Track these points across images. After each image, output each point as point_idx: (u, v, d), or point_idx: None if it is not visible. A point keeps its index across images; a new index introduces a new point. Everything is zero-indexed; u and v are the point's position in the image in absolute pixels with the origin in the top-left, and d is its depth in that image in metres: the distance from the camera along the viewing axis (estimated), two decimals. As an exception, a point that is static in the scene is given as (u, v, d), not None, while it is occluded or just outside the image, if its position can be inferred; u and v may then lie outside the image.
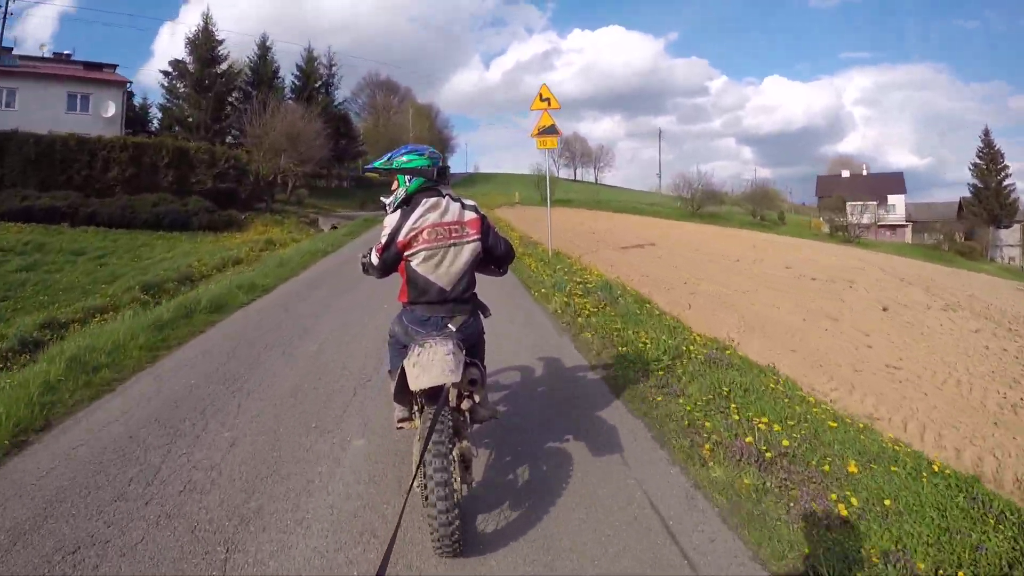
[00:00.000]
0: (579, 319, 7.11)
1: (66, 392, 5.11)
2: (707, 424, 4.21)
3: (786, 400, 4.76)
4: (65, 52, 44.43)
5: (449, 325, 3.05)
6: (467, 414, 3.14)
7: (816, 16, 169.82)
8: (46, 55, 43.53)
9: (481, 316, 3.31)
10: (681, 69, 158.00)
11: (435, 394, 2.76)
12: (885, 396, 6.04)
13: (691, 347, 5.96)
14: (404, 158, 3.16)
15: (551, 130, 12.91)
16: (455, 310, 3.11)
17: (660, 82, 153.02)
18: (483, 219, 3.18)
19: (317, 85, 53.26)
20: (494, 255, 3.27)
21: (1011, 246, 59.91)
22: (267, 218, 30.53)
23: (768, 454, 3.78)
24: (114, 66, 43.64)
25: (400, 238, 3.02)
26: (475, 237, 3.09)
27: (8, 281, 15.95)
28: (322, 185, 50.88)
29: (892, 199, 65.60)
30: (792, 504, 3.28)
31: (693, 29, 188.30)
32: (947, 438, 5.47)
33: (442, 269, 3.05)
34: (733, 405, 4.50)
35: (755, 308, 9.90)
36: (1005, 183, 61.85)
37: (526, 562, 2.80)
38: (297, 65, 53.44)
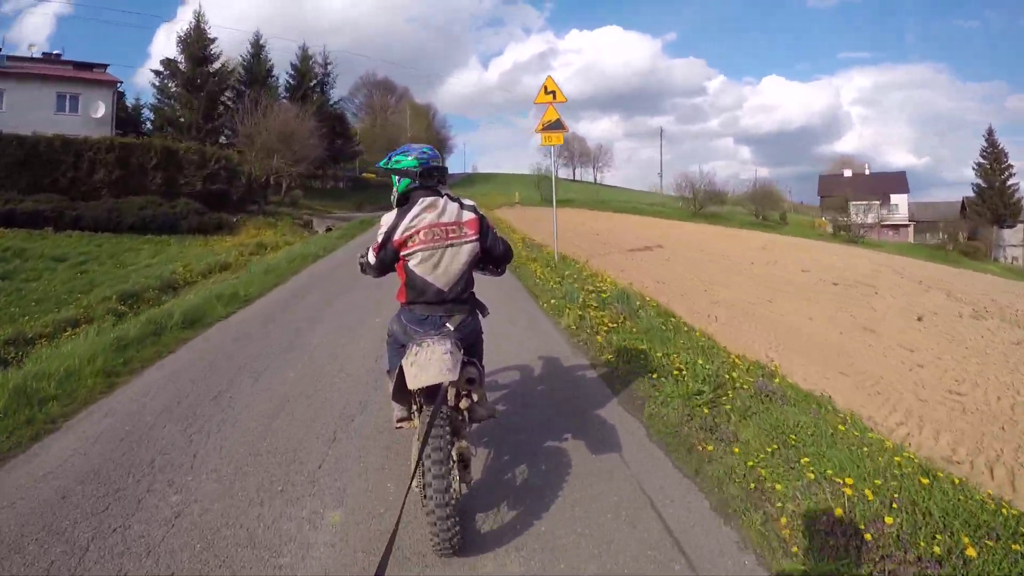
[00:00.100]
0: (597, 337, 6.22)
1: (3, 434, 4.24)
2: (778, 487, 3.32)
3: (863, 448, 3.88)
4: (55, 52, 43.60)
5: (447, 324, 3.04)
6: (466, 413, 3.11)
7: (814, 16, 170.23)
8: (35, 55, 42.64)
9: (479, 315, 3.31)
10: (679, 69, 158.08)
11: (433, 393, 2.76)
12: (961, 433, 5.18)
13: (734, 374, 5.06)
14: (396, 158, 3.18)
15: (557, 125, 12.02)
16: (453, 310, 3.10)
17: (658, 82, 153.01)
18: (482, 219, 3.16)
19: (312, 84, 52.32)
20: (493, 256, 3.27)
21: (1014, 246, 59.20)
22: (259, 220, 29.60)
23: (868, 535, 2.89)
24: (105, 66, 42.69)
25: (396, 236, 3.01)
26: (473, 238, 3.08)
27: (-20, 291, 15.01)
28: (317, 186, 49.91)
29: (895, 198, 64.91)
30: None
31: (691, 29, 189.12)
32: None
33: (440, 270, 3.03)
34: (804, 458, 3.62)
35: (786, 320, 9.03)
36: (1009, 183, 61.27)
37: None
38: (292, 64, 52.56)
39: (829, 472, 3.52)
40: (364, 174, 61.76)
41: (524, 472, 3.63)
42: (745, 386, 4.83)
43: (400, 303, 3.23)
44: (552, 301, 7.96)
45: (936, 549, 2.86)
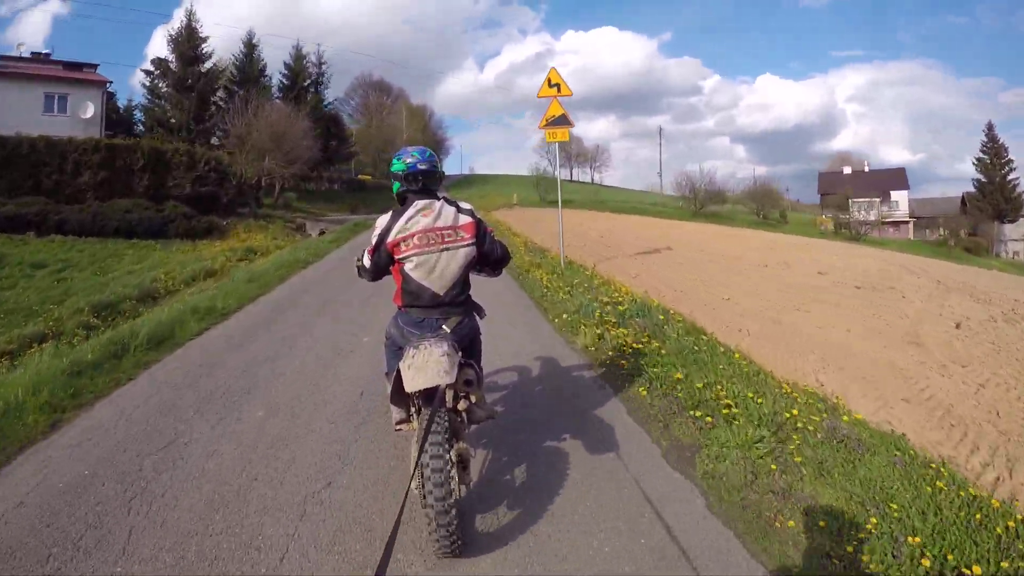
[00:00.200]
0: (622, 362, 5.35)
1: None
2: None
3: (974, 514, 3.04)
4: (44, 52, 42.62)
5: (443, 327, 3.04)
6: (464, 415, 3.08)
7: (808, 15, 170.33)
8: (24, 54, 41.59)
9: (477, 317, 3.30)
10: (675, 69, 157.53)
11: (431, 395, 2.76)
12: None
13: (793, 410, 4.21)
14: (392, 161, 3.22)
15: (562, 120, 11.15)
16: (449, 312, 3.09)
17: (654, 82, 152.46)
18: (478, 223, 3.15)
19: (306, 84, 51.24)
20: (491, 259, 3.27)
21: (1015, 240, 58.75)
22: (251, 224, 28.67)
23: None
24: (95, 66, 41.68)
25: (389, 239, 3.01)
26: (469, 241, 3.07)
27: (-52, 302, 14.10)
28: (312, 188, 48.87)
29: (895, 195, 64.25)
30: None
31: (686, 29, 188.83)
32: None
33: (435, 274, 3.02)
34: (913, 537, 2.77)
35: (822, 333, 8.18)
36: (1010, 177, 60.66)
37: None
38: (285, 63, 51.45)
39: (950, 558, 2.68)
40: (360, 176, 60.86)
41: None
42: (810, 427, 3.98)
43: (397, 306, 3.23)
44: (564, 316, 7.09)
45: None
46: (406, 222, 2.99)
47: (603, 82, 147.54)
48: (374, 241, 3.10)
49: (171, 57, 43.66)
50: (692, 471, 3.52)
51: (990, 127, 61.98)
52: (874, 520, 2.91)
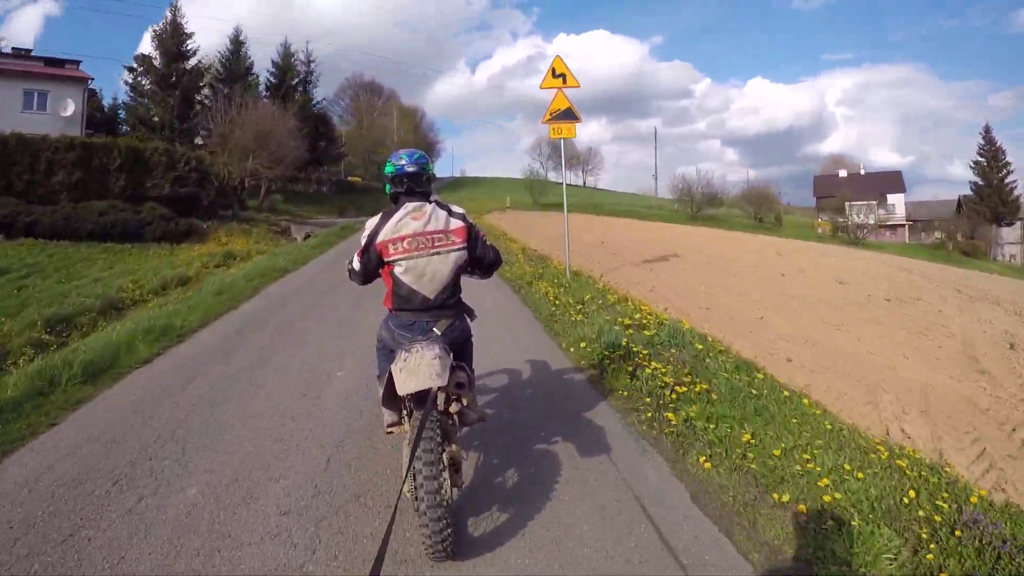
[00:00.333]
0: (669, 414, 4.20)
1: None
2: None
3: None
4: (25, 48, 41.23)
5: (434, 329, 3.00)
6: (455, 417, 3.07)
7: (799, 19, 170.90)
8: (4, 50, 40.20)
9: (467, 319, 3.26)
10: (666, 72, 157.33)
11: (423, 398, 2.74)
12: None
13: (910, 492, 3.10)
14: (386, 164, 3.22)
15: (568, 114, 9.99)
16: (440, 315, 3.06)
17: (645, 85, 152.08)
18: (470, 228, 3.12)
19: (294, 82, 49.83)
20: (483, 264, 3.23)
21: (1012, 244, 58.24)
22: (233, 227, 27.37)
23: None
24: (77, 62, 40.33)
25: (379, 240, 2.99)
26: (461, 246, 3.05)
27: None
28: (299, 190, 47.51)
29: (891, 198, 63.65)
30: None
31: (677, 33, 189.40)
32: None
33: (426, 278, 3.00)
34: None
35: (877, 360, 7.12)
36: (1007, 180, 60.15)
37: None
38: (273, 61, 50.02)
39: None
40: (349, 177, 59.51)
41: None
42: (937, 517, 2.88)
43: (387, 309, 3.20)
44: (583, 345, 5.84)
45: None
46: (396, 224, 2.98)
47: (595, 85, 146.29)
48: (363, 242, 3.07)
49: (155, 53, 42.33)
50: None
51: (987, 129, 61.39)
52: None
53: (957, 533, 2.81)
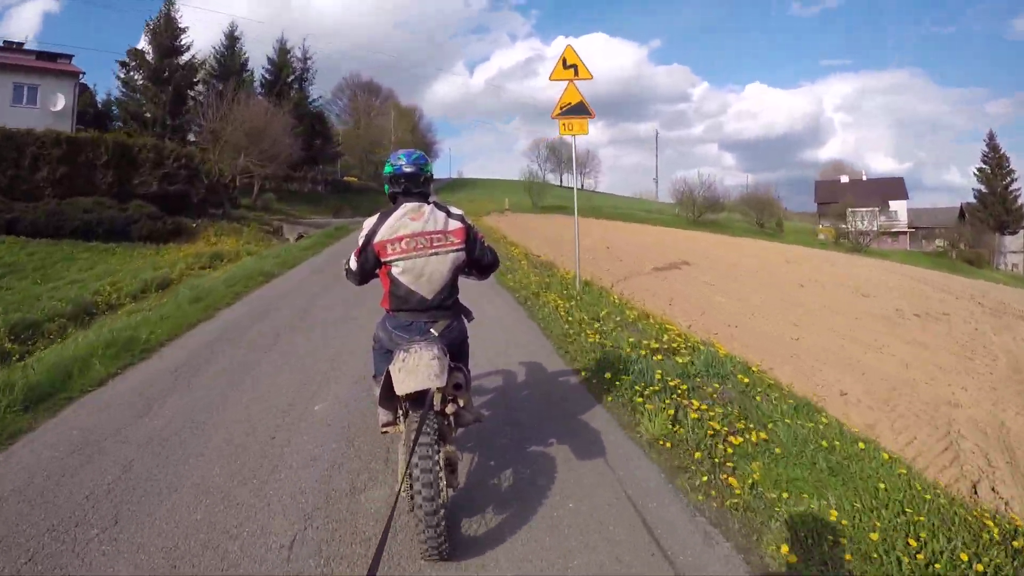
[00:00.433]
0: (728, 476, 3.33)
1: None
2: None
3: None
4: (16, 41, 40.33)
5: (432, 330, 2.99)
6: (451, 418, 3.07)
7: (797, 24, 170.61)
8: (-4, 44, 39.36)
9: (464, 320, 3.24)
10: (664, 76, 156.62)
11: (420, 398, 2.74)
12: None
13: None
14: (386, 164, 3.23)
15: (579, 109, 9.10)
16: (437, 315, 3.05)
17: (643, 89, 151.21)
18: (468, 229, 3.11)
19: (290, 79, 48.88)
20: (481, 264, 3.23)
21: (1015, 252, 57.60)
22: (223, 226, 26.42)
23: None
24: (70, 56, 39.45)
25: (376, 240, 2.97)
26: (459, 247, 3.03)
27: None
28: (294, 189, 46.52)
29: (894, 204, 63.08)
30: None
31: (676, 36, 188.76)
32: None
33: (424, 278, 2.98)
34: None
35: (935, 392, 6.28)
36: (1011, 188, 59.56)
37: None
38: (268, 57, 49.09)
39: None
40: (346, 177, 58.53)
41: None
42: None
43: (384, 309, 3.16)
44: (608, 376, 4.97)
45: None
46: (394, 224, 2.96)
47: (592, 88, 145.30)
48: (361, 242, 3.05)
49: (148, 48, 41.38)
50: None
51: (991, 136, 60.80)
52: None
53: None
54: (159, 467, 3.72)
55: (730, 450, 3.64)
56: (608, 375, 4.94)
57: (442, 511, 2.56)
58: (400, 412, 3.05)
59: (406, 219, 2.96)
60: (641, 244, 21.71)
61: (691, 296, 10.54)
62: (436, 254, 2.97)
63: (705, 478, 3.36)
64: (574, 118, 9.12)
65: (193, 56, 42.36)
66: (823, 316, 9.98)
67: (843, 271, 19.70)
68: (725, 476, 3.32)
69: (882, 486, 3.21)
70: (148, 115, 39.83)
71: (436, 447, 2.62)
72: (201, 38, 74.23)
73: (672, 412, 4.11)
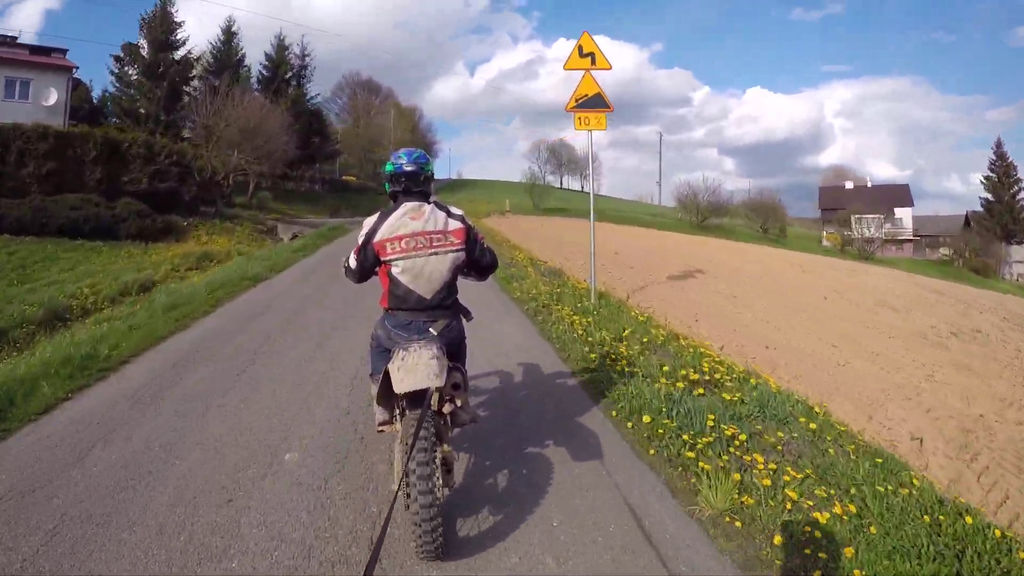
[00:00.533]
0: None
1: None
2: None
3: None
4: (10, 35, 39.39)
5: (431, 329, 2.97)
6: (448, 418, 3.06)
7: (799, 30, 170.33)
8: (-11, 36, 38.46)
9: (463, 320, 3.21)
10: (665, 80, 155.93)
11: (418, 397, 2.73)
12: None
13: None
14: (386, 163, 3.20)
15: (597, 102, 8.24)
16: (436, 315, 3.02)
17: (644, 92, 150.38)
18: (469, 229, 3.09)
19: (287, 76, 47.96)
20: (480, 266, 3.20)
21: (1021, 262, 56.74)
22: (215, 225, 25.55)
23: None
24: (64, 51, 38.53)
25: (376, 238, 2.95)
26: (458, 247, 3.01)
27: None
28: (291, 188, 45.60)
29: (899, 212, 62.23)
30: None
31: (678, 40, 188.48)
32: None
33: (423, 278, 2.96)
34: None
35: (1012, 433, 5.39)
36: (1018, 197, 58.74)
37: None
38: (266, 54, 48.15)
39: None
40: (344, 177, 57.62)
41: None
42: None
43: (383, 308, 3.13)
44: (645, 420, 4.02)
45: None
46: (394, 223, 2.93)
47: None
48: (360, 240, 3.01)
49: (143, 42, 40.48)
50: None
51: (999, 144, 59.92)
52: None
53: None
54: (85, 540, 2.85)
55: (818, 533, 2.77)
56: (647, 418, 4.05)
57: (438, 510, 2.54)
58: (397, 411, 3.03)
59: (406, 218, 2.93)
60: (649, 249, 20.84)
61: (716, 311, 9.66)
62: (435, 254, 2.94)
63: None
64: (590, 112, 8.22)
65: (189, 51, 41.46)
66: (860, 335, 9.13)
67: (859, 281, 18.87)
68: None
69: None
70: (142, 111, 38.92)
71: (433, 447, 2.61)
72: (203, 35, 73.36)
73: (738, 476, 3.23)
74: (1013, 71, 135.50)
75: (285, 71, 47.68)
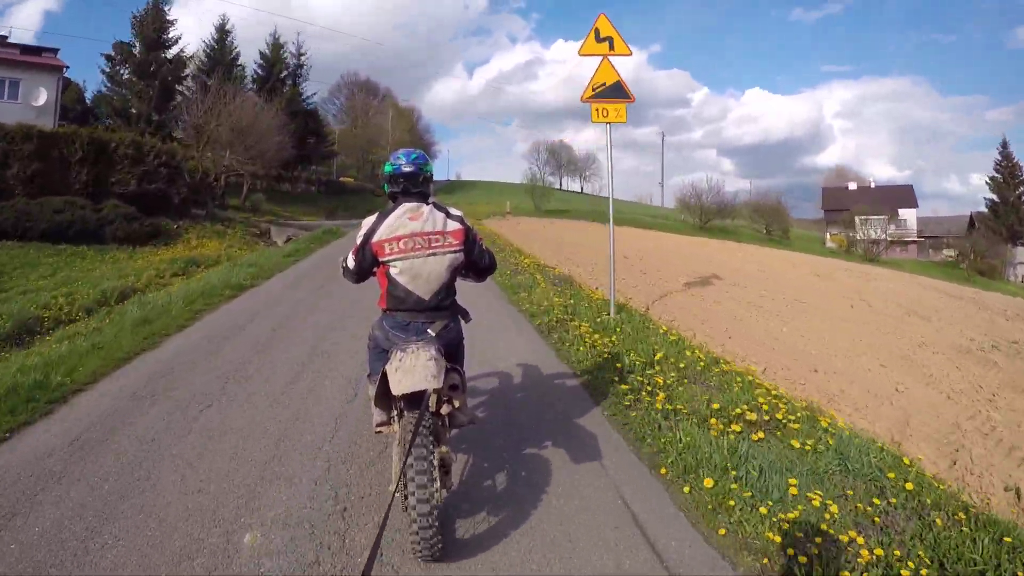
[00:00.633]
0: None
1: None
2: None
3: None
4: (0, 34, 38.60)
5: (429, 330, 2.94)
6: (446, 419, 3.03)
7: (797, 30, 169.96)
8: (-22, 37, 37.72)
9: (461, 321, 3.19)
10: (663, 81, 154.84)
11: (416, 399, 2.72)
12: None
13: None
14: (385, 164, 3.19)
15: (616, 91, 7.36)
16: (434, 316, 2.99)
17: (643, 93, 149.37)
18: (467, 230, 3.07)
19: (282, 75, 47.04)
20: (478, 267, 3.19)
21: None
22: (206, 228, 24.65)
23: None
24: (55, 50, 37.79)
25: (374, 239, 2.93)
26: (457, 248, 2.98)
27: None
28: (286, 190, 44.68)
29: (903, 213, 61.54)
30: None
31: (676, 41, 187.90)
32: None
33: (421, 279, 2.93)
34: None
35: None
36: (1024, 197, 58.04)
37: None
38: (261, 52, 47.22)
39: None
40: (342, 178, 56.71)
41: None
42: None
43: (381, 309, 3.09)
44: (708, 483, 3.20)
45: None
46: (392, 223, 2.91)
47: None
48: (359, 240, 2.99)
49: (134, 41, 39.56)
50: None
51: (1004, 144, 59.17)
52: None
53: None
54: None
55: None
56: (708, 482, 3.18)
57: (436, 512, 2.53)
58: (395, 412, 3.01)
59: (405, 219, 2.91)
60: (658, 252, 19.96)
61: (744, 324, 8.79)
62: (434, 255, 2.92)
63: None
64: (609, 102, 7.34)
65: (182, 50, 40.57)
66: (903, 349, 8.29)
67: (877, 287, 18.04)
68: None
69: None
70: (133, 111, 38.01)
71: (431, 448, 2.59)
72: (203, 34, 72.38)
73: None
74: (1013, 71, 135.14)
75: (280, 70, 46.78)
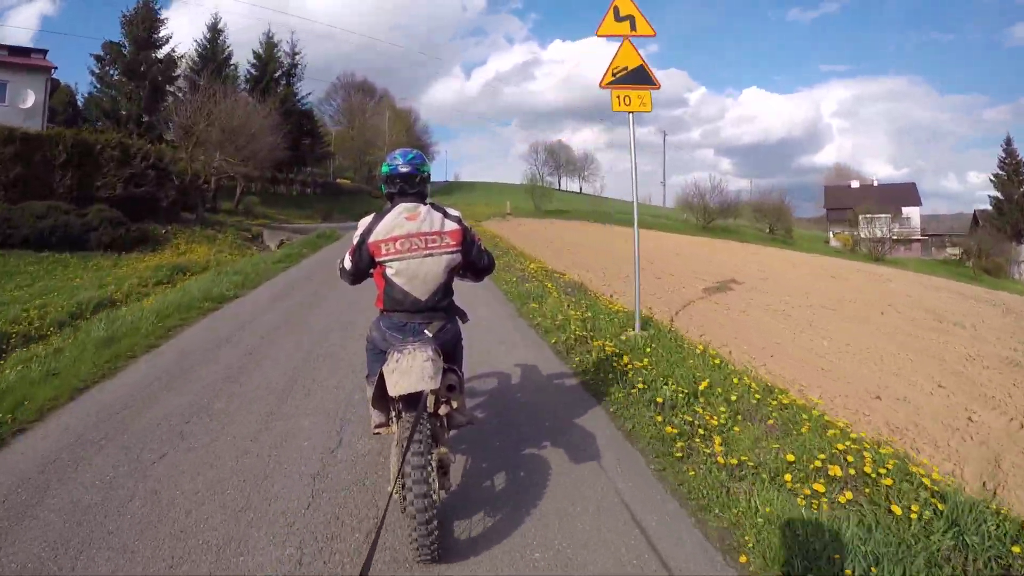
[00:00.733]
0: None
1: None
2: None
3: None
4: (-11, 36, 37.95)
5: (426, 331, 2.92)
6: (445, 420, 3.02)
7: (795, 29, 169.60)
8: (-36, 40, 36.99)
9: (459, 321, 3.16)
10: (661, 81, 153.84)
11: (413, 400, 2.69)
12: None
13: None
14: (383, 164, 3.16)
15: (640, 76, 6.50)
16: (432, 317, 2.96)
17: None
18: (465, 231, 3.04)
19: (276, 75, 46.16)
20: (477, 268, 3.17)
21: (1028, 261, 55.38)
22: (196, 233, 23.76)
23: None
24: (44, 51, 36.98)
25: (371, 239, 2.90)
26: (454, 248, 2.95)
27: None
28: (280, 192, 43.78)
29: (906, 211, 60.90)
30: None
31: (673, 41, 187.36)
32: None
33: (418, 279, 2.90)
34: None
35: None
36: (1029, 195, 57.30)
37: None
38: (254, 51, 46.34)
39: None
40: (338, 180, 55.83)
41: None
42: None
43: (378, 309, 3.06)
44: None
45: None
46: (389, 224, 2.89)
47: (589, 92, 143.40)
48: (356, 241, 2.96)
49: (124, 41, 38.67)
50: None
51: (1008, 141, 58.46)
52: None
53: None
54: None
55: None
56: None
57: (434, 513, 2.49)
58: (393, 413, 2.97)
59: (402, 219, 2.88)
60: (668, 254, 19.16)
61: (779, 337, 7.92)
62: (431, 255, 2.88)
63: None
64: (631, 88, 6.49)
65: (172, 50, 39.67)
66: (956, 367, 7.48)
67: (894, 288, 17.27)
68: None
69: None
70: (123, 112, 37.13)
71: (429, 449, 2.56)
72: (199, 35, 71.49)
73: None
74: (1011, 70, 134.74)
75: (274, 69, 45.92)
